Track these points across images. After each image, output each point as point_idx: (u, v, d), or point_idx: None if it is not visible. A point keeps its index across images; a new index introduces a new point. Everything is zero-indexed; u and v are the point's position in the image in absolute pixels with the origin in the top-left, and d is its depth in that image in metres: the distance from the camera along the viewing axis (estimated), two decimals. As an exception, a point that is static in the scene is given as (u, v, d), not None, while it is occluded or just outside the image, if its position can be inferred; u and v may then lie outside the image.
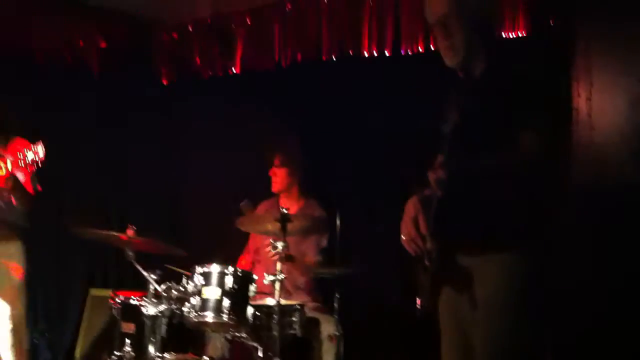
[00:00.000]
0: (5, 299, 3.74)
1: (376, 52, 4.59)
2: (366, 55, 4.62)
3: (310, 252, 4.25)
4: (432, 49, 4.27)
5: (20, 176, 3.67)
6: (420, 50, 4.43)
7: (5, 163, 3.43)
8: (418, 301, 2.46)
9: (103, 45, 5.43)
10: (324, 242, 4.23)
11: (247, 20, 5.14)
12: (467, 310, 2.40)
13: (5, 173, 3.43)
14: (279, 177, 4.31)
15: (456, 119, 2.42)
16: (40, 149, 3.35)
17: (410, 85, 4.36)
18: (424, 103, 4.25)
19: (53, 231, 5.09)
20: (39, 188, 3.80)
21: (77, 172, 5.24)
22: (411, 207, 2.42)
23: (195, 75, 5.40)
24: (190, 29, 5.44)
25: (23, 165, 3.38)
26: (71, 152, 5.15)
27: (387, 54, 4.56)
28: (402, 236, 2.45)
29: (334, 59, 4.76)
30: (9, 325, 3.72)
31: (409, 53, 4.48)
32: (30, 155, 3.36)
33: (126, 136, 5.40)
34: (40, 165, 3.42)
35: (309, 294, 4.24)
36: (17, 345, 3.76)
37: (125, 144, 5.40)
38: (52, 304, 5.26)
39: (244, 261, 4.40)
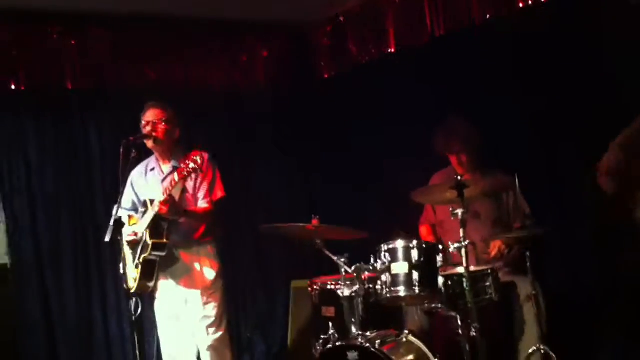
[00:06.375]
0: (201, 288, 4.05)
1: (531, 2, 4.40)
2: (521, 6, 4.44)
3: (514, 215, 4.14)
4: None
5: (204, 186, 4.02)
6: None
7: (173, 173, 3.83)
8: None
9: (265, 54, 5.75)
10: (526, 207, 4.06)
11: (395, -2, 5.18)
12: None
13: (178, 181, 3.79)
14: (465, 162, 4.18)
15: None
16: (199, 159, 3.63)
17: (577, 29, 4.15)
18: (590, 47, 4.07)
19: (253, 234, 5.46)
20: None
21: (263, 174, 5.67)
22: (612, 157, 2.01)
23: (354, 63, 5.53)
24: (342, 20, 5.59)
25: (186, 174, 3.70)
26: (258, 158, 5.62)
27: (542, 1, 4.35)
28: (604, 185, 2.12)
29: (487, 19, 4.63)
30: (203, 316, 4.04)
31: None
32: (191, 164, 3.65)
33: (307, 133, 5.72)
34: (200, 172, 3.73)
35: (502, 259, 4.15)
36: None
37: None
38: (261, 301, 5.66)
39: (425, 231, 4.42)
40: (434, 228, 4.39)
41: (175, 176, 3.76)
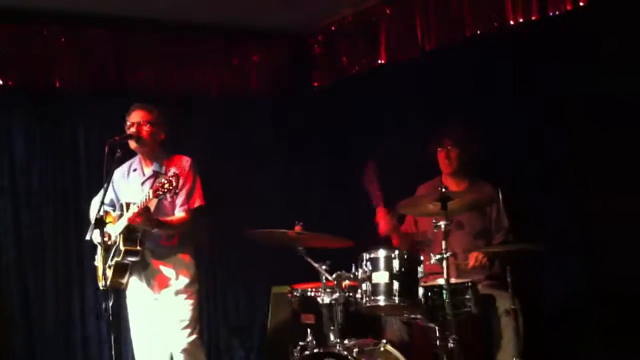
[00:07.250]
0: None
1: (522, 19, 4.44)
2: (512, 24, 4.48)
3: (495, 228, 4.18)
4: (582, 4, 4.08)
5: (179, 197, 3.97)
6: (568, 8, 4.21)
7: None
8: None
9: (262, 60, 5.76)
10: (505, 222, 4.04)
11: (387, 10, 5.20)
12: None
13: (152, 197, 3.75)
14: (453, 159, 4.23)
15: None
16: (173, 180, 3.60)
17: (562, 47, 4.19)
18: (580, 64, 4.12)
19: (235, 239, 5.43)
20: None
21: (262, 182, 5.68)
22: None
23: (344, 73, 5.55)
24: (334, 29, 5.62)
25: (160, 193, 3.66)
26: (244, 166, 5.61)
27: (533, 19, 4.39)
28: None
29: (479, 34, 4.66)
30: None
31: (557, 14, 4.28)
32: (166, 184, 3.62)
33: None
34: (175, 192, 3.69)
35: (484, 272, 4.15)
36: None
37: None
38: (242, 305, 5.64)
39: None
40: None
41: (150, 193, 3.70)
